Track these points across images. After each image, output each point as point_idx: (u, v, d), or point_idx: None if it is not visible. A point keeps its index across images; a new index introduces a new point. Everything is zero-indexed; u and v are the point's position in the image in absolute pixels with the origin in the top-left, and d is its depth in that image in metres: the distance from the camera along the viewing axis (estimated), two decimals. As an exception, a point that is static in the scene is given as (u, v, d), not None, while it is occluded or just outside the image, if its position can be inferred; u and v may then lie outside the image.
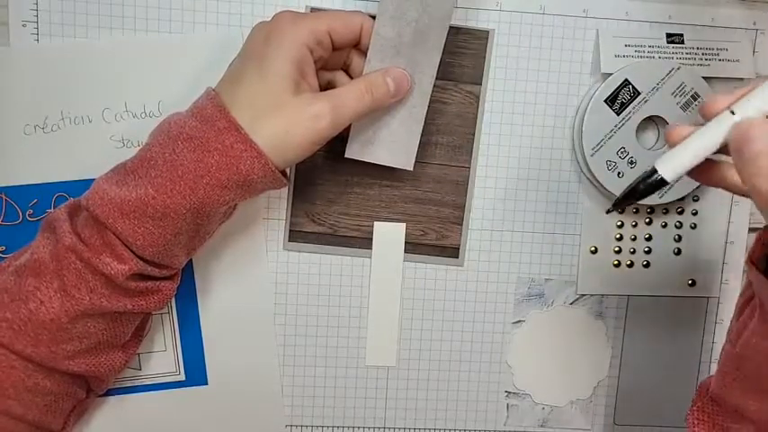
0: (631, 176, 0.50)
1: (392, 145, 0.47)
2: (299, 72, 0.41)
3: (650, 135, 0.52)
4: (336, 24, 0.43)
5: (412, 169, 0.48)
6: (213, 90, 0.42)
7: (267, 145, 0.40)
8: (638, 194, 0.36)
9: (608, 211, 0.38)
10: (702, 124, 0.35)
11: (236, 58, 0.43)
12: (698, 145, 0.33)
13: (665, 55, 0.51)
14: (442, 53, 0.45)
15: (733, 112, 0.32)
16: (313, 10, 0.49)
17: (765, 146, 0.30)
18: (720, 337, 0.55)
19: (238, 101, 0.41)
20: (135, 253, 0.41)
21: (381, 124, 0.46)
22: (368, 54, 0.45)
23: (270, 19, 0.42)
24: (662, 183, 0.34)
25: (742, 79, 0.51)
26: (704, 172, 0.36)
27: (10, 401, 0.40)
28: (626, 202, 0.37)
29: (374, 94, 0.43)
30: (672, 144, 0.35)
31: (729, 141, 0.32)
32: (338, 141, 0.46)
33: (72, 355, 0.42)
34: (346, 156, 0.47)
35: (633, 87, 0.49)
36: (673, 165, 0.34)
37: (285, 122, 0.40)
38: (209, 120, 0.40)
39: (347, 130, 0.46)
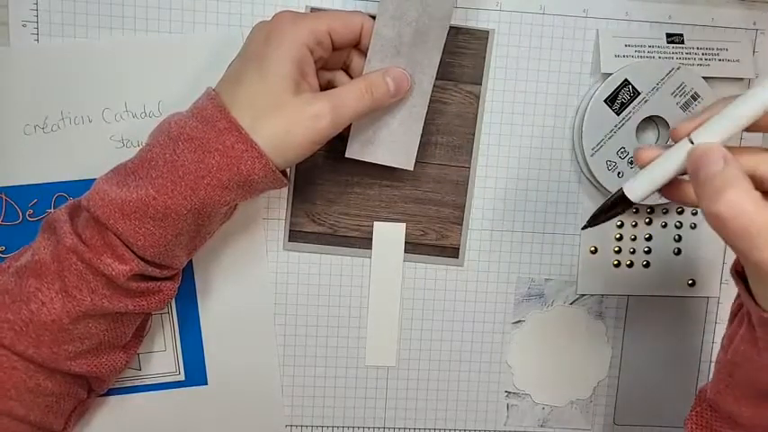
0: (631, 176, 0.50)
1: (392, 145, 0.47)
2: (299, 72, 0.41)
3: (650, 135, 0.52)
4: (336, 24, 0.43)
5: (412, 169, 0.48)
6: (213, 90, 0.42)
7: (268, 145, 0.40)
8: (608, 215, 0.38)
9: (583, 228, 0.40)
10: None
11: (236, 58, 0.43)
12: (661, 169, 0.35)
13: (665, 55, 0.51)
14: (442, 53, 0.45)
15: (692, 141, 0.34)
16: (313, 10, 0.49)
17: (718, 170, 0.32)
18: (720, 338, 0.55)
19: (239, 101, 0.41)
20: (136, 254, 0.41)
21: (381, 124, 0.46)
22: (368, 54, 0.45)
23: (270, 19, 0.42)
24: (630, 204, 0.37)
25: (742, 79, 0.52)
26: (671, 189, 0.37)
27: (12, 402, 0.40)
28: (598, 220, 0.39)
29: (374, 94, 0.43)
30: (640, 166, 0.37)
31: (687, 166, 0.34)
32: (338, 141, 0.46)
33: (73, 356, 0.42)
34: (346, 156, 0.47)
35: (633, 87, 0.49)
36: (638, 187, 0.36)
37: (285, 122, 0.40)
38: (209, 120, 0.40)
39: (347, 129, 0.46)
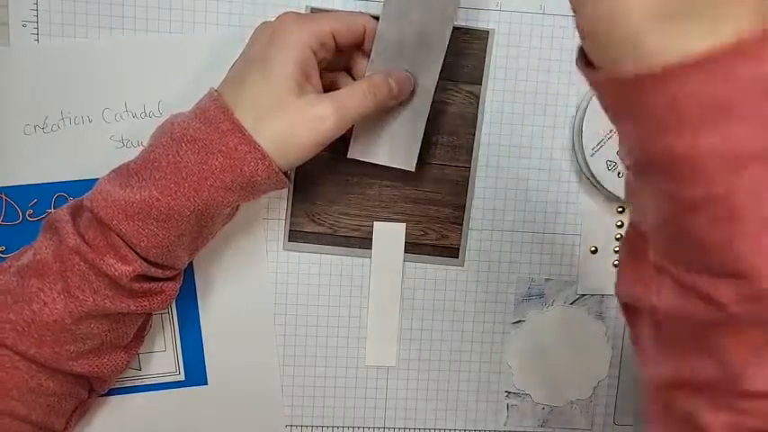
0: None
1: (394, 146, 0.47)
2: (302, 73, 0.41)
3: (650, 135, 0.52)
4: (340, 26, 0.43)
5: (413, 170, 0.48)
6: (216, 91, 0.42)
7: (271, 146, 0.40)
8: None
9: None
10: None
11: (238, 58, 0.43)
12: None
13: (665, 55, 0.51)
14: (445, 55, 0.45)
15: None
16: (313, 10, 0.49)
17: None
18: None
19: (242, 102, 0.41)
20: (139, 254, 0.41)
21: (384, 125, 0.46)
22: (371, 55, 0.45)
23: (273, 20, 0.43)
24: None
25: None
26: None
27: (14, 402, 0.40)
28: None
29: (377, 96, 0.43)
30: None
31: None
32: (339, 141, 0.46)
33: (75, 356, 0.42)
34: (348, 156, 0.47)
35: (633, 87, 0.49)
36: None
37: (289, 124, 0.41)
38: (212, 121, 0.40)
39: (349, 130, 0.46)
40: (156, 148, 0.41)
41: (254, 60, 0.42)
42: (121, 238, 0.40)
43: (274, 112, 0.40)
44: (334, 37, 0.43)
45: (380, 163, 0.47)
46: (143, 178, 0.40)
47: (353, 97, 0.42)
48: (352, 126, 0.46)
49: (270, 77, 0.40)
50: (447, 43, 0.45)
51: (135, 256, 0.40)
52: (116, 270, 0.40)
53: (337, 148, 0.49)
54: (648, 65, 0.25)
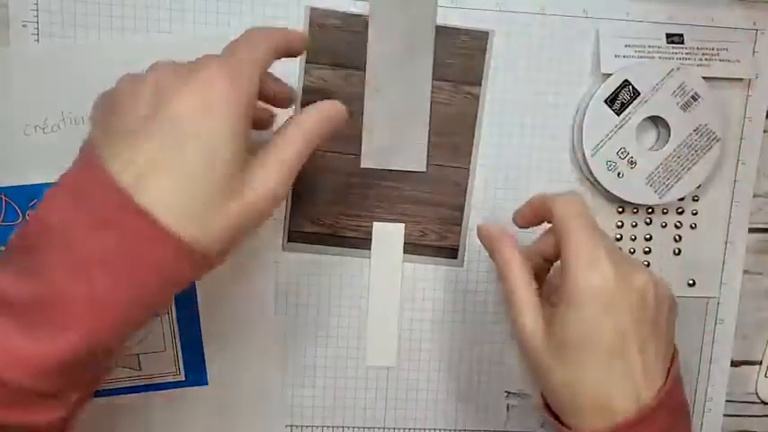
0: (631, 176, 0.50)
1: (403, 150, 0.48)
2: (244, 140, 0.34)
3: (650, 135, 0.52)
4: (269, 54, 0.37)
5: (425, 170, 0.48)
6: (134, 200, 0.32)
7: (224, 238, 0.34)
8: None
9: None
10: None
11: (140, 135, 0.33)
12: None
13: (665, 55, 0.51)
14: (434, 55, 0.46)
15: None
16: (313, 10, 0.49)
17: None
18: (721, 337, 0.55)
19: (169, 201, 0.32)
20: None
21: (390, 132, 0.47)
22: (367, 71, 0.45)
23: (198, 82, 0.34)
24: None
25: (742, 79, 0.52)
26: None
27: None
28: None
29: (312, 138, 0.37)
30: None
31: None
32: (341, 141, 0.46)
33: None
34: (362, 167, 0.48)
35: (633, 87, 0.49)
36: None
37: (239, 211, 0.34)
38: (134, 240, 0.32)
39: (353, 130, 0.46)
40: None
41: (184, 141, 0.33)
42: None
43: (221, 205, 0.33)
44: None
45: (394, 168, 0.48)
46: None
47: (291, 152, 0.36)
48: (361, 137, 0.46)
49: (214, 165, 0.33)
50: (433, 44, 0.46)
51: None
52: None
53: (336, 148, 0.49)
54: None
